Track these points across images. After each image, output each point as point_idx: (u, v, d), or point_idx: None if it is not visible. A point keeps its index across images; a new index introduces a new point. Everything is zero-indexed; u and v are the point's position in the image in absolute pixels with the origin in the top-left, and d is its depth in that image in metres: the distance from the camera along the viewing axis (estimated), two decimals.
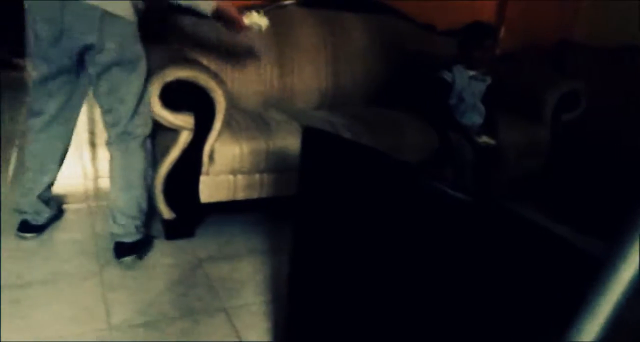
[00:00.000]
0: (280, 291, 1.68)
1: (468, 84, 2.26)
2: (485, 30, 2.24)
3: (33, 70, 1.69)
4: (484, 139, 2.18)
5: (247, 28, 1.80)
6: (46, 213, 1.90)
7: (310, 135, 1.14)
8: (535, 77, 2.67)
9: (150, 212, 2.03)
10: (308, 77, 2.50)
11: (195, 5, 1.71)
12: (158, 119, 1.80)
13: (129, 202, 1.75)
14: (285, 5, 2.51)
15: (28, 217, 1.86)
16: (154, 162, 1.88)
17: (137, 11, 1.61)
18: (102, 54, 1.56)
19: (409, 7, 2.86)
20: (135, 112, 1.68)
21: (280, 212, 2.21)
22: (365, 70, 2.62)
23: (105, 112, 1.69)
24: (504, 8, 3.10)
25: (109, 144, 1.74)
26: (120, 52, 1.58)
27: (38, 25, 1.56)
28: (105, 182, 2.43)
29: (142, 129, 1.73)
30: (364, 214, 1.09)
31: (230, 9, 1.73)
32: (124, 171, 1.74)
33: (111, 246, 1.80)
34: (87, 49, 1.56)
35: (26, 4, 1.59)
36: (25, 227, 1.86)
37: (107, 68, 1.59)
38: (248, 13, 1.79)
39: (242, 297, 1.65)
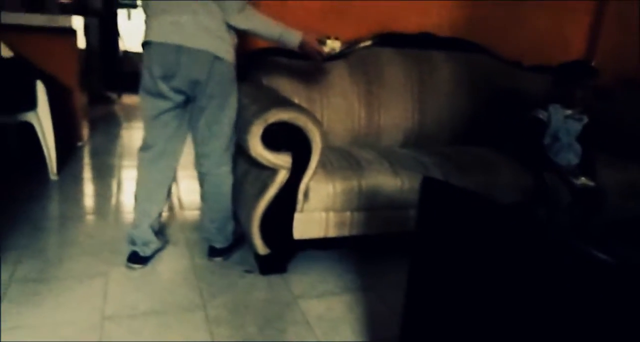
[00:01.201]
0: (378, 332, 1.68)
1: (564, 123, 2.20)
2: (586, 69, 2.18)
3: (147, 109, 1.89)
4: (582, 180, 2.10)
5: (326, 54, 1.97)
6: (154, 245, 2.03)
7: (429, 184, 1.15)
8: (637, 114, 2.55)
9: (245, 246, 2.12)
10: (394, 115, 2.53)
11: (283, 38, 1.87)
12: (258, 158, 1.88)
13: (221, 219, 2.05)
14: (367, 46, 2.59)
15: (137, 249, 1.99)
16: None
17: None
18: (206, 90, 1.79)
19: (496, 43, 2.84)
20: (227, 145, 1.93)
21: (369, 250, 2.23)
22: (451, 108, 2.62)
23: (200, 143, 1.92)
24: (596, 42, 3.01)
25: (203, 173, 1.97)
26: (221, 88, 1.82)
27: (155, 67, 1.78)
28: (193, 214, 2.57)
29: (231, 158, 1.99)
30: (482, 260, 1.10)
31: (313, 42, 1.90)
32: (216, 194, 2.01)
33: (213, 279, 1.94)
34: (195, 85, 1.78)
35: (145, 49, 1.82)
36: (134, 259, 1.98)
37: (208, 101, 1.82)
38: (323, 40, 1.94)
39: (340, 336, 1.65)
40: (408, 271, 1.28)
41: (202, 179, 2.01)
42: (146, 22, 1.83)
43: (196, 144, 1.95)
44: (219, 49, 1.76)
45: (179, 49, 1.72)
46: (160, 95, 1.82)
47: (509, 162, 2.26)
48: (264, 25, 1.83)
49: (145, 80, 1.82)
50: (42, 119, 2.79)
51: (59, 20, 3.16)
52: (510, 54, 2.87)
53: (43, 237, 2.20)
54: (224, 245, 2.10)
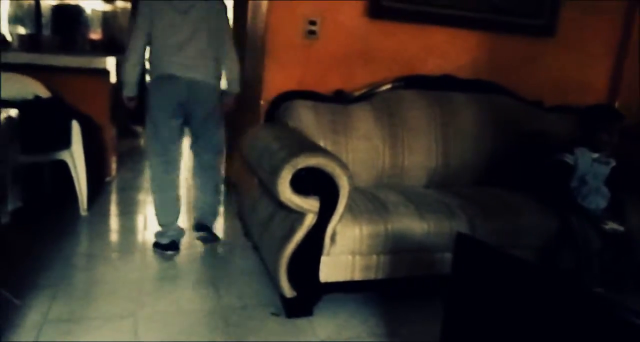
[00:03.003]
0: None
1: (591, 167, 2.20)
2: (611, 113, 2.20)
3: (151, 133, 2.52)
4: (611, 225, 2.08)
5: None
6: (182, 234, 2.59)
7: (462, 240, 1.18)
8: None
9: (274, 288, 2.13)
10: (418, 156, 2.56)
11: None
12: (287, 202, 1.92)
13: (212, 202, 2.66)
14: (390, 89, 2.64)
15: (174, 238, 2.52)
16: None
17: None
18: (204, 112, 2.47)
19: (517, 84, 2.88)
20: (217, 152, 2.65)
21: (395, 293, 2.22)
22: (475, 149, 2.64)
23: (196, 154, 2.65)
24: (619, 82, 3.02)
25: (197, 168, 2.68)
26: (213, 110, 2.52)
27: (161, 97, 2.41)
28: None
29: (220, 157, 2.72)
30: (515, 314, 1.11)
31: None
32: (208, 183, 2.63)
33: (240, 321, 1.97)
34: (193, 110, 2.44)
35: (152, 80, 2.47)
36: (172, 246, 2.50)
37: (204, 121, 2.50)
38: None
39: None
40: (442, 322, 1.28)
41: (196, 173, 2.67)
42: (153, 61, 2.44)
43: (195, 152, 2.64)
44: (206, 76, 2.41)
45: (188, 82, 2.37)
46: (164, 123, 2.42)
47: (534, 205, 2.26)
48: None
49: (151, 111, 2.44)
50: (75, 157, 2.89)
51: (94, 62, 3.30)
52: (531, 94, 2.90)
53: (74, 275, 2.25)
54: (209, 223, 2.66)
